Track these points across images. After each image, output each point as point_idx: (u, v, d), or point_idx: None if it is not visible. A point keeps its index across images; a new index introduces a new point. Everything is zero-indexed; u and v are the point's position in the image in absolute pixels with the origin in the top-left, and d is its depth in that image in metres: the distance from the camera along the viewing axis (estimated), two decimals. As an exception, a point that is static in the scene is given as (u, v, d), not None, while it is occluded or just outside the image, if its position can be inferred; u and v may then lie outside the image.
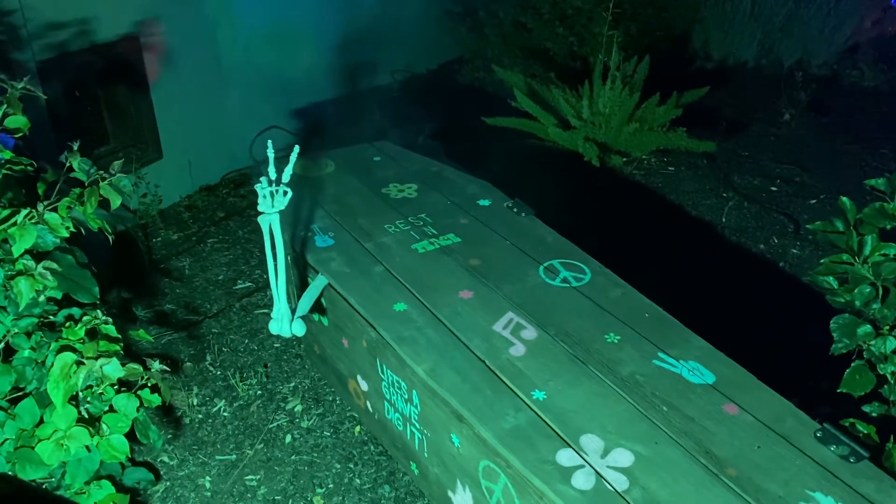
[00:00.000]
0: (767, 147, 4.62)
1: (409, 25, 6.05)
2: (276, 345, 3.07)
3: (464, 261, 2.54)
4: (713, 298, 3.14)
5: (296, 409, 2.75)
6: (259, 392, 2.83)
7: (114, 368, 1.78)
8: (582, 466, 1.77)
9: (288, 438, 2.63)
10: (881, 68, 6.00)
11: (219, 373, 2.92)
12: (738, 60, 6.04)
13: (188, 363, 2.97)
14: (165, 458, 2.55)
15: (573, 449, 1.82)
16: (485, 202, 2.91)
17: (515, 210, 2.85)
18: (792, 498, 1.69)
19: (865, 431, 1.93)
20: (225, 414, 2.73)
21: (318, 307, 2.63)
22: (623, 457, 1.80)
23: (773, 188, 4.10)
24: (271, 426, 2.68)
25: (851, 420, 1.96)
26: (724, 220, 3.77)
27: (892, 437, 1.88)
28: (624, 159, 4.33)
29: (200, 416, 2.73)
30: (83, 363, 1.75)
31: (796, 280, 3.34)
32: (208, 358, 2.99)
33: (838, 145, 4.63)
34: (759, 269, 3.42)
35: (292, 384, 2.86)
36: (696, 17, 6.18)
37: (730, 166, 4.34)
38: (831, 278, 2.23)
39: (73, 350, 1.81)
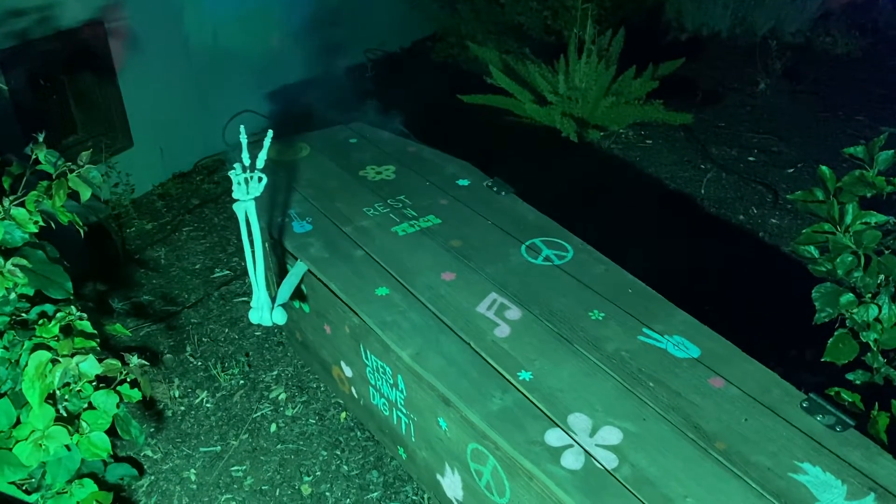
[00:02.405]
0: (744, 117, 4.62)
1: (380, 3, 5.98)
2: (257, 333, 3.03)
3: (445, 242, 2.51)
4: (695, 271, 3.14)
5: (280, 398, 2.72)
6: (242, 381, 2.79)
7: (90, 365, 1.74)
8: (571, 446, 1.76)
9: (273, 427, 2.60)
10: (853, 35, 6.02)
11: (200, 363, 2.88)
12: (712, 30, 6.03)
13: (168, 355, 2.93)
14: (149, 452, 2.51)
15: (561, 428, 1.81)
16: (464, 182, 2.88)
17: (495, 189, 2.82)
18: (780, 469, 1.69)
19: (850, 400, 1.94)
20: (208, 405, 2.69)
21: (298, 294, 2.59)
22: (611, 435, 1.79)
23: (751, 158, 4.10)
24: (255, 416, 2.64)
25: (837, 389, 1.97)
26: (702, 191, 3.77)
27: (876, 404, 1.89)
28: (602, 133, 4.31)
29: (183, 408, 2.69)
30: (58, 361, 1.70)
31: (777, 250, 3.35)
32: (188, 349, 2.95)
33: (814, 113, 4.64)
34: (740, 240, 3.43)
35: (275, 372, 2.83)
36: (670, -12, 6.15)
37: (707, 137, 4.34)
38: (812, 247, 2.23)
39: (48, 348, 1.76)
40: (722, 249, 3.38)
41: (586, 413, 1.85)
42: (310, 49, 5.16)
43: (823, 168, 2.26)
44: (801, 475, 1.68)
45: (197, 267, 3.48)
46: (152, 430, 2.60)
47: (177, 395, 2.73)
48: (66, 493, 1.90)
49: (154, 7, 4.02)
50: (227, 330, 3.06)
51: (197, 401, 2.71)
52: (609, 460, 1.73)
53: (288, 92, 4.86)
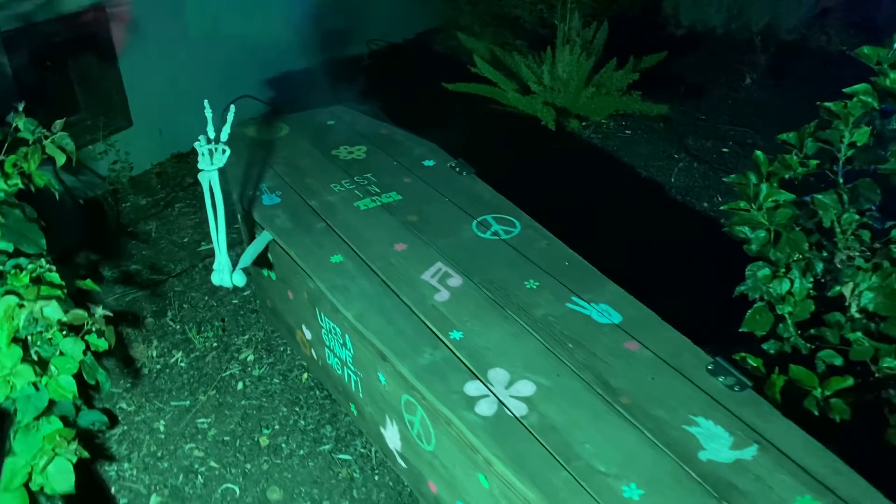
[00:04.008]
0: (725, 110, 4.73)
1: (385, -5, 6.15)
2: (234, 301, 3.23)
3: (402, 217, 2.67)
4: (651, 253, 3.28)
5: (248, 359, 2.90)
6: (215, 344, 2.98)
7: (53, 310, 1.93)
8: (486, 396, 1.92)
9: (240, 386, 2.79)
10: (850, 33, 6.08)
11: (178, 327, 3.07)
12: (707, 26, 6.11)
13: (149, 319, 3.13)
14: (123, 405, 2.71)
15: (480, 381, 1.97)
16: (429, 163, 3.04)
17: (458, 170, 2.98)
18: (676, 422, 1.84)
19: (754, 365, 2.08)
20: (182, 364, 2.89)
21: (266, 262, 2.78)
22: (525, 387, 1.95)
23: (725, 150, 4.21)
24: (224, 374, 2.83)
25: (743, 354, 2.11)
26: (672, 180, 3.90)
27: (776, 368, 2.03)
28: (583, 123, 4.44)
29: (158, 366, 2.88)
30: (24, 306, 1.90)
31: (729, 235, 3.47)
32: (169, 314, 3.15)
33: (793, 108, 4.72)
34: (699, 225, 3.55)
35: (247, 336, 3.02)
36: (666, -16, 6.25)
37: (685, 129, 4.46)
38: (747, 228, 2.37)
39: (18, 295, 1.96)
40: (681, 233, 3.50)
41: (506, 368, 2.01)
42: (311, 37, 5.33)
43: (758, 153, 2.39)
44: (693, 427, 1.82)
45: (185, 240, 3.68)
46: (129, 385, 2.80)
47: (154, 354, 2.93)
48: (34, 428, 2.09)
49: (154, -6, 4.22)
50: (206, 298, 3.26)
51: (172, 360, 2.91)
52: (520, 409, 1.88)
53: (285, 79, 5.04)
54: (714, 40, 5.98)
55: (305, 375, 2.82)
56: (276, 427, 2.61)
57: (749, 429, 1.82)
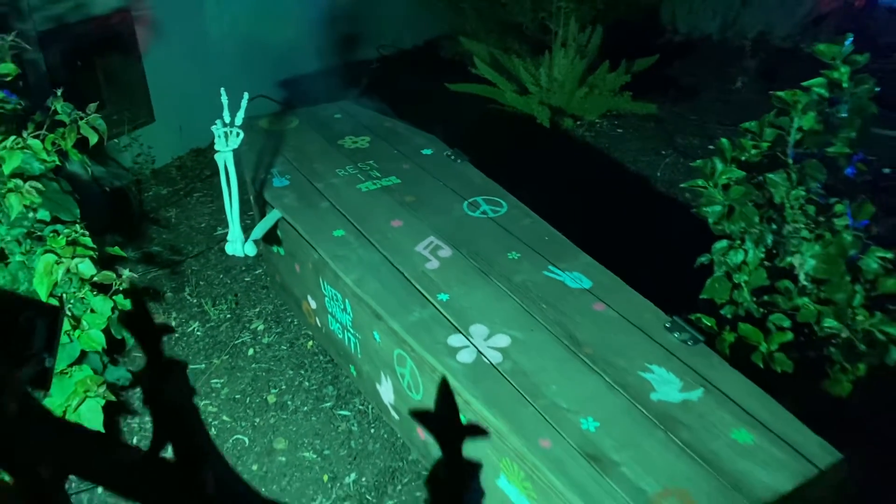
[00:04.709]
0: (715, 111, 4.97)
1: (396, 1, 6.43)
2: (246, 279, 3.49)
3: (400, 198, 2.93)
4: (630, 233, 3.52)
5: (259, 329, 3.17)
6: (228, 316, 3.25)
7: (87, 267, 2.20)
8: (467, 346, 2.17)
9: (250, 352, 3.05)
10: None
11: (195, 301, 3.34)
12: (703, 33, 6.35)
13: (169, 294, 3.40)
14: (144, 367, 2.97)
15: (462, 334, 2.22)
16: (427, 151, 3.30)
17: (453, 158, 3.23)
18: (633, 369, 2.08)
19: (709, 324, 2.31)
20: (198, 333, 3.15)
21: (276, 239, 3.04)
22: (502, 340, 2.20)
23: (711, 147, 4.45)
24: (237, 342, 3.09)
25: (698, 315, 2.34)
26: (658, 174, 4.14)
27: (727, 326, 2.27)
28: (577, 122, 4.69)
29: (176, 335, 3.15)
30: (62, 262, 2.17)
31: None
32: (187, 290, 3.42)
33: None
34: (678, 211, 3.79)
35: (258, 309, 3.28)
36: (664, -8, 6.50)
37: (675, 128, 4.70)
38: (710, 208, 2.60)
39: (56, 254, 2.23)
40: (664, 220, 3.74)
41: (485, 324, 2.26)
42: (325, 41, 5.63)
43: (724, 140, 2.64)
44: (648, 374, 2.06)
45: (203, 225, 3.96)
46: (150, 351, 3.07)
47: (173, 325, 3.20)
48: (68, 374, 2.36)
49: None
50: (221, 276, 3.53)
51: (189, 329, 3.17)
52: (496, 357, 2.13)
53: (298, 80, 5.33)
54: (709, 46, 6.21)
55: (310, 343, 3.08)
56: (283, 387, 2.86)
57: (698, 376, 2.06)
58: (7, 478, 1.35)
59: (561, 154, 4.38)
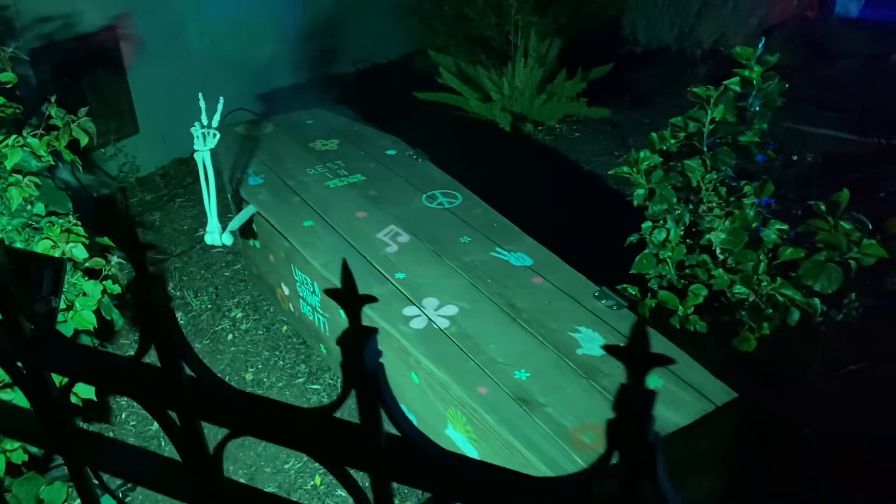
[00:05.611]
0: (668, 114, 5.22)
1: (371, 18, 6.74)
2: (226, 273, 3.76)
3: (365, 192, 3.22)
4: (576, 222, 3.82)
5: (237, 317, 3.44)
6: (209, 306, 3.51)
7: (80, 252, 2.47)
8: (419, 315, 2.46)
9: (230, 337, 3.32)
10: (789, 48, 6.67)
11: (178, 294, 3.61)
12: (662, 44, 6.71)
13: (154, 288, 3.66)
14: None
15: (416, 306, 2.50)
16: (391, 152, 3.59)
17: (414, 157, 3.53)
18: (563, 330, 2.37)
19: (633, 292, 2.61)
20: (181, 321, 3.41)
21: (252, 234, 3.32)
22: (450, 310, 2.48)
23: (661, 147, 4.77)
24: (217, 328, 3.36)
25: (624, 285, 2.64)
26: (609, 171, 4.44)
27: (648, 293, 2.56)
28: (539, 127, 5.01)
29: (162, 324, 3.41)
30: (57, 247, 2.44)
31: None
32: (170, 284, 3.68)
33: (730, 112, 5.31)
34: (624, 204, 4.09)
35: (236, 300, 3.55)
36: (625, 5, 6.85)
37: (629, 131, 5.02)
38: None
39: (52, 240, 2.50)
40: (611, 213, 4.04)
41: (437, 297, 2.54)
42: (302, 57, 5.93)
43: (653, 134, 2.97)
44: (576, 334, 2.35)
45: (185, 228, 4.23)
46: (136, 337, 3.32)
47: (158, 315, 3.46)
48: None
49: (160, 17, 4.81)
50: (203, 271, 3.80)
51: (173, 319, 3.43)
52: (444, 323, 2.42)
53: (275, 93, 5.62)
54: (667, 56, 6.57)
55: (285, 328, 3.35)
56: (259, 366, 3.13)
57: (620, 335, 2.35)
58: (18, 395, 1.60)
59: (520, 155, 4.69)
